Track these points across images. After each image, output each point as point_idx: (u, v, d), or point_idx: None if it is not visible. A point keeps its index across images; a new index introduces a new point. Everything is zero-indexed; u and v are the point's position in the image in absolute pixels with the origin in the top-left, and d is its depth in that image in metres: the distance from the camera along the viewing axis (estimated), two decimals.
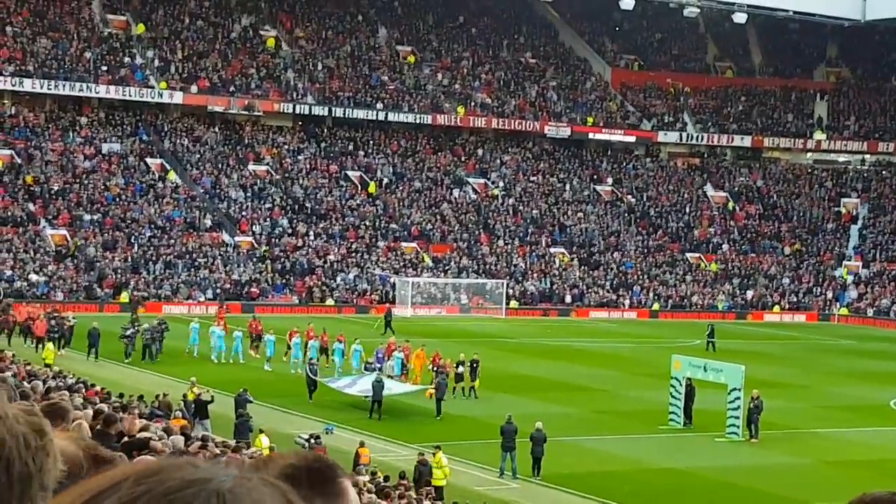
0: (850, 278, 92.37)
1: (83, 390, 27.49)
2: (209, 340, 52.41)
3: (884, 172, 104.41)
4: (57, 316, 53.90)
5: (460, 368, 45.70)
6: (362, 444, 32.06)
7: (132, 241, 76.42)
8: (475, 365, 46.23)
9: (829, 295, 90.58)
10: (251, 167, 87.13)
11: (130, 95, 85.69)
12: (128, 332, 51.13)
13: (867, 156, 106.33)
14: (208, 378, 43.02)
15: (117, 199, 79.42)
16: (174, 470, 1.60)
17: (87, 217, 76.89)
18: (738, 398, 39.80)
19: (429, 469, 30.70)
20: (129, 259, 74.71)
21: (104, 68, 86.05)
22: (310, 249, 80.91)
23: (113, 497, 1.56)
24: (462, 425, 39.92)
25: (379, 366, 46.85)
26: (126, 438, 14.40)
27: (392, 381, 43.44)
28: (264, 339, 51.99)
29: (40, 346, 50.62)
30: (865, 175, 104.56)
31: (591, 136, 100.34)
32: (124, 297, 70.41)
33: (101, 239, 75.71)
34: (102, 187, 79.86)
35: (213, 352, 51.84)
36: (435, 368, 44.49)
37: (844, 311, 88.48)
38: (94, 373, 43.77)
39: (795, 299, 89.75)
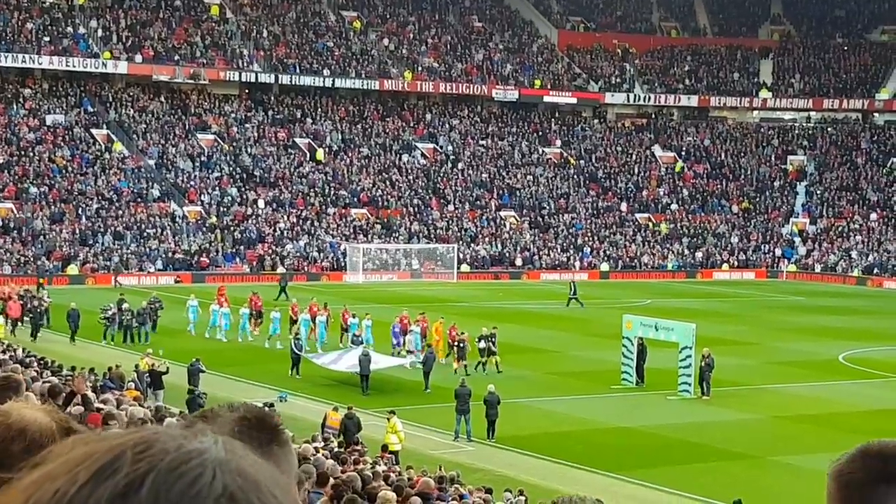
0: (797, 236, 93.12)
1: (34, 364, 27.33)
2: (209, 319, 50.79)
3: (829, 129, 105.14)
4: (32, 296, 51.73)
5: (482, 343, 43.91)
6: (335, 409, 31.93)
7: (79, 213, 75.78)
8: (493, 339, 44.43)
9: (778, 252, 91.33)
10: (198, 136, 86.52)
11: (74, 66, 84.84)
12: (109, 314, 49.05)
13: (812, 113, 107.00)
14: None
15: (63, 172, 78.71)
16: (165, 441, 1.47)
17: (33, 190, 76.17)
18: (690, 356, 40.08)
19: (355, 422, 30.43)
20: (77, 231, 74.13)
21: (47, 39, 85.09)
22: (259, 218, 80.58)
23: (117, 477, 1.41)
24: (417, 390, 39.97)
25: (396, 342, 46.26)
26: (78, 401, 14.37)
27: (379, 355, 41.88)
28: (270, 316, 49.29)
29: (17, 327, 48.48)
30: (811, 132, 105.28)
31: (538, 98, 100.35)
32: (72, 269, 70.04)
33: (49, 211, 75.05)
34: (48, 159, 79.11)
35: (220, 331, 50.16)
36: (457, 343, 43.72)
37: (793, 267, 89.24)
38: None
39: (744, 257, 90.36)
